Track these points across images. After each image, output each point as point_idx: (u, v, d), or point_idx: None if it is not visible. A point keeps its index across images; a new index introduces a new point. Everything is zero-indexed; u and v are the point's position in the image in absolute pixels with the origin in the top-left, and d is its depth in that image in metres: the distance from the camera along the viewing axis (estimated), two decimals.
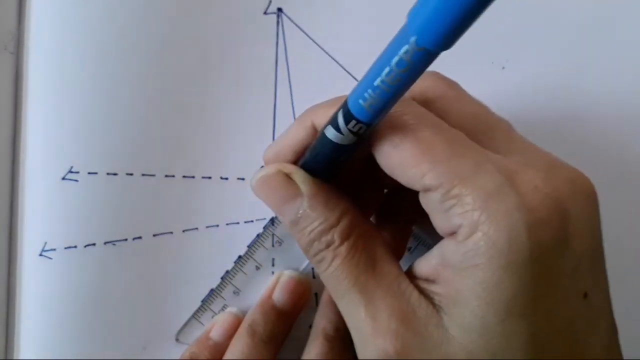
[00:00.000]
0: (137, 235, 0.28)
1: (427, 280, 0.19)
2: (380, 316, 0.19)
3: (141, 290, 0.28)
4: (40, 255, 0.28)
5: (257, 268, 0.28)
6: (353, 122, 0.17)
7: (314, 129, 0.21)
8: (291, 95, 0.28)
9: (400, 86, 0.16)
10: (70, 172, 0.27)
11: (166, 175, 0.28)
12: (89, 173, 0.27)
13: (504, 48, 0.28)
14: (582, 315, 0.18)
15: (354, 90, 0.17)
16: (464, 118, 0.20)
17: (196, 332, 0.28)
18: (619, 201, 0.28)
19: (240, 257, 0.28)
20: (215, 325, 0.28)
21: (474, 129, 0.19)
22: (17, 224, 0.28)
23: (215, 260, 0.28)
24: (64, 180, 0.27)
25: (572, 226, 0.18)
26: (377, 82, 0.16)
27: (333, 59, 0.28)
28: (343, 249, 0.20)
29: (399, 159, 0.18)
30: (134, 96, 0.28)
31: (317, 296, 0.28)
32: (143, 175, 0.28)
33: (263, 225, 0.28)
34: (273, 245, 0.28)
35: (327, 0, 0.28)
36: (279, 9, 0.28)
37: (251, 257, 0.28)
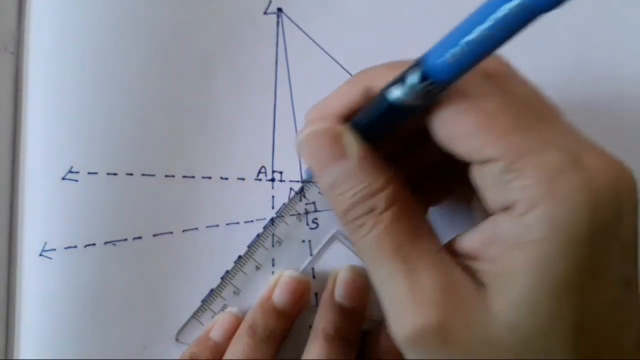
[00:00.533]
0: (137, 235, 0.28)
1: (469, 257, 0.19)
2: (422, 287, 0.18)
3: (141, 290, 0.28)
4: (40, 255, 0.28)
5: (257, 268, 0.28)
6: (428, 80, 0.17)
7: (368, 91, 0.20)
8: (291, 95, 0.28)
9: (494, 44, 0.15)
10: (70, 172, 0.27)
11: (166, 175, 0.28)
12: (89, 173, 0.27)
13: (504, 48, 0.28)
14: (623, 304, 0.18)
15: (437, 47, 0.17)
16: (520, 97, 0.19)
17: (196, 332, 0.28)
18: None
19: (240, 257, 0.28)
20: (215, 325, 0.28)
21: (532, 108, 0.19)
22: (17, 224, 0.28)
23: (215, 260, 0.28)
24: (64, 180, 0.27)
25: (624, 212, 0.17)
26: (471, 37, 0.15)
27: (333, 58, 0.28)
28: (387, 215, 0.19)
29: (461, 127, 0.18)
30: (134, 96, 0.28)
31: (317, 296, 0.28)
32: (143, 175, 0.28)
33: (263, 225, 0.28)
34: (273, 245, 0.28)
35: (327, 1, 0.28)
36: (279, 9, 0.28)
37: (251, 257, 0.28)
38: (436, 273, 0.18)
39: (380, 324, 0.27)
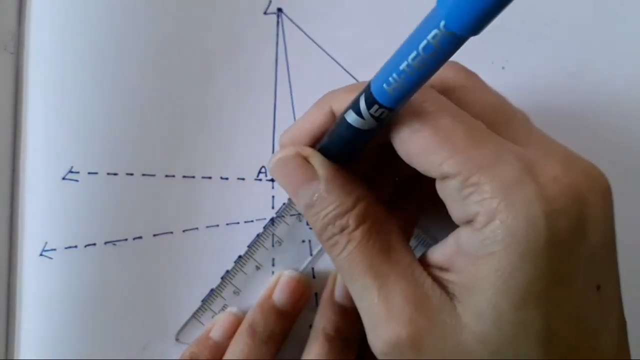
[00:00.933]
0: (138, 235, 0.28)
1: (441, 268, 0.19)
2: (394, 301, 0.19)
3: (141, 290, 0.28)
4: (41, 255, 0.28)
5: (257, 268, 0.28)
6: (375, 106, 0.17)
7: (333, 114, 0.21)
8: (291, 95, 0.29)
9: (427, 71, 0.16)
10: (71, 172, 0.27)
11: (166, 175, 0.28)
12: (89, 173, 0.28)
13: (504, 48, 0.28)
14: (594, 307, 0.18)
15: (378, 75, 0.17)
16: (483, 108, 0.20)
17: (196, 332, 0.28)
18: (617, 200, 0.28)
19: (240, 257, 0.28)
20: (215, 325, 0.28)
21: (493, 119, 0.19)
22: (18, 224, 0.28)
23: (216, 260, 0.28)
24: (64, 180, 0.27)
25: (589, 218, 0.18)
26: (402, 66, 0.16)
27: (333, 59, 0.28)
28: (358, 233, 0.20)
29: (418, 145, 0.18)
30: (134, 96, 0.28)
31: (317, 296, 0.28)
32: (143, 175, 0.28)
33: (263, 225, 0.28)
34: (273, 245, 0.28)
35: (327, 1, 0.29)
36: (279, 9, 0.28)
37: (251, 257, 0.28)
38: (408, 287, 0.19)
39: None
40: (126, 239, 0.28)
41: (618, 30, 0.28)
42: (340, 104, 0.20)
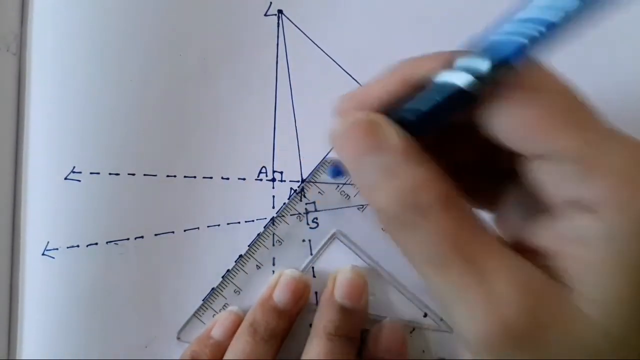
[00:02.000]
0: (139, 235, 0.28)
1: (538, 254, 0.17)
2: (495, 286, 0.16)
3: (143, 290, 0.28)
4: (43, 254, 0.28)
5: (258, 267, 0.28)
6: (498, 63, 0.16)
7: (411, 82, 0.18)
8: (291, 96, 0.29)
9: (574, 26, 0.14)
10: (73, 172, 0.28)
11: (168, 176, 0.28)
12: (91, 173, 0.28)
13: None
14: None
15: (510, 28, 0.16)
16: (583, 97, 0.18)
17: (197, 331, 0.28)
18: None
19: (241, 256, 0.28)
20: (216, 324, 0.28)
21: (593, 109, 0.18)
22: (20, 223, 0.29)
23: (217, 260, 0.28)
24: (67, 180, 0.28)
25: None
26: (556, 17, 0.14)
27: (333, 60, 0.28)
28: (438, 210, 0.17)
29: (527, 119, 0.17)
30: (136, 97, 0.28)
31: (317, 295, 0.28)
32: (145, 175, 0.28)
33: (264, 224, 0.28)
34: (274, 245, 0.28)
35: (327, 2, 0.29)
36: (280, 11, 0.29)
37: (252, 257, 0.28)
38: (508, 270, 0.16)
39: (380, 322, 0.28)
40: (128, 239, 0.28)
41: (616, 30, 0.28)
42: (423, 70, 0.18)
